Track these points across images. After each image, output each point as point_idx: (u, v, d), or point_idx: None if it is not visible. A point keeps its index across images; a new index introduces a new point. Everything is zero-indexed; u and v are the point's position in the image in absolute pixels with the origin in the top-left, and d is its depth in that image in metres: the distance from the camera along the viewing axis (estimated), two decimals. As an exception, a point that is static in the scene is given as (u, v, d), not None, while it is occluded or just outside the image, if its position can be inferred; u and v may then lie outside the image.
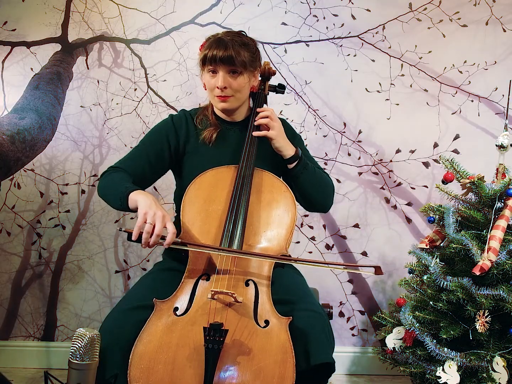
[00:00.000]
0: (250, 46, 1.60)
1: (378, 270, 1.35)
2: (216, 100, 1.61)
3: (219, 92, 1.57)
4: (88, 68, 2.61)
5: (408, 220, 2.60)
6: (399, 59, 2.59)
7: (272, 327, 1.30)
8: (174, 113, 1.77)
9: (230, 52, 1.52)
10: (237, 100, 1.63)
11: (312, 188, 1.62)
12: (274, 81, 1.84)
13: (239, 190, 1.49)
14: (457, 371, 1.71)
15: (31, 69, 2.61)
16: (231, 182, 1.53)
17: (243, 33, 1.65)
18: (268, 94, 1.80)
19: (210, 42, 1.57)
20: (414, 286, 1.96)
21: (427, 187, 2.59)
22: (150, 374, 1.24)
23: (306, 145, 2.57)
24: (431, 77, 2.59)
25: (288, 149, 1.60)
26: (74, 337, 1.13)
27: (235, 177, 1.53)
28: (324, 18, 2.59)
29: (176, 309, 1.35)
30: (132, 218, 2.59)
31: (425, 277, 1.89)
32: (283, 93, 1.84)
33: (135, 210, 1.43)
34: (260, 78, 1.78)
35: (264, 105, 1.75)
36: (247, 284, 1.39)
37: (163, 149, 1.65)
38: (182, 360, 1.25)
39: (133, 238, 1.34)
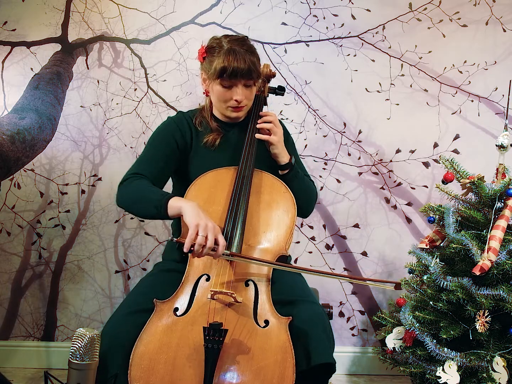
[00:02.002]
0: (255, 52, 1.60)
1: (397, 286, 1.35)
2: (230, 110, 1.61)
3: (235, 103, 1.58)
4: (88, 68, 2.61)
5: (408, 220, 2.60)
6: (399, 59, 2.59)
7: (272, 327, 1.30)
8: (173, 113, 1.77)
9: (249, 65, 1.52)
10: (248, 108, 1.65)
11: (299, 194, 1.62)
12: (274, 82, 1.84)
13: (239, 191, 1.50)
14: (457, 371, 1.71)
15: (31, 69, 2.61)
16: (231, 183, 1.54)
17: (246, 37, 1.62)
18: (267, 96, 1.79)
19: (223, 54, 1.53)
20: (414, 286, 1.96)
21: (427, 187, 2.59)
22: (151, 374, 1.24)
23: (306, 145, 2.59)
24: (431, 77, 2.59)
25: (283, 156, 1.63)
26: (74, 337, 1.13)
27: (234, 178, 1.54)
28: (324, 18, 2.59)
29: (176, 309, 1.35)
30: (132, 218, 2.59)
31: (425, 277, 1.89)
32: (282, 95, 1.84)
33: (172, 218, 1.44)
34: (259, 80, 1.78)
35: (264, 107, 1.75)
36: (246, 284, 1.39)
37: (173, 148, 1.64)
38: (182, 360, 1.25)
39: (185, 250, 1.32)
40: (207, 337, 1.22)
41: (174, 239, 1.35)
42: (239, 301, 1.32)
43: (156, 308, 1.34)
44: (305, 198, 1.68)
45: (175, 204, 1.40)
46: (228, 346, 1.25)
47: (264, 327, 1.30)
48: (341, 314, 2.60)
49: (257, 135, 1.61)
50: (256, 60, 1.57)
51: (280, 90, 1.82)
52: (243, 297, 1.35)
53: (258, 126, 1.62)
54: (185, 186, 1.59)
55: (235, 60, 1.51)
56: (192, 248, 1.32)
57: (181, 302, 1.36)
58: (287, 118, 2.58)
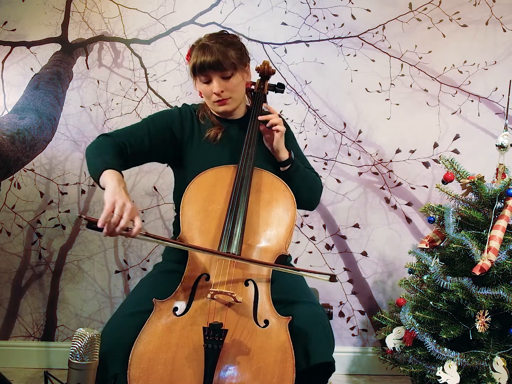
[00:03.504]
0: (235, 43, 1.60)
1: (332, 278, 1.35)
2: (216, 105, 1.62)
3: (216, 97, 1.59)
4: (88, 68, 2.61)
5: (408, 220, 2.59)
6: (399, 59, 2.59)
7: (272, 327, 1.30)
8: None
9: (217, 56, 1.52)
10: (235, 101, 1.64)
11: (302, 188, 1.63)
12: (274, 80, 1.84)
13: (239, 190, 1.49)
14: (457, 371, 1.71)
15: (31, 69, 2.62)
16: (231, 182, 1.53)
17: (225, 32, 1.64)
18: (267, 93, 1.79)
19: (195, 50, 1.57)
20: (414, 286, 1.96)
21: (427, 187, 2.59)
22: (150, 374, 1.24)
23: (306, 145, 2.58)
24: (431, 77, 2.59)
25: (283, 152, 1.64)
26: (74, 337, 1.12)
27: (234, 176, 1.53)
28: (324, 18, 2.59)
29: (176, 309, 1.34)
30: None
31: (425, 277, 1.89)
32: (282, 92, 1.84)
33: (103, 188, 1.39)
34: (259, 78, 1.78)
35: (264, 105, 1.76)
36: (246, 284, 1.38)
37: (165, 131, 1.63)
38: (182, 360, 1.25)
39: (99, 225, 1.26)
40: (207, 337, 1.21)
41: (82, 216, 1.27)
42: (239, 301, 1.31)
43: (156, 308, 1.34)
44: (309, 192, 1.69)
45: (105, 177, 1.38)
46: (228, 346, 1.24)
47: (264, 327, 1.30)
48: (341, 314, 2.60)
49: (275, 127, 1.62)
50: (232, 51, 1.56)
51: (279, 88, 1.82)
52: (243, 297, 1.34)
53: (269, 124, 1.62)
54: (185, 180, 1.59)
55: (203, 54, 1.53)
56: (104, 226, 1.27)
57: (181, 301, 1.36)
58: (287, 118, 2.58)
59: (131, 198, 2.60)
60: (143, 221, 2.58)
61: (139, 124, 1.65)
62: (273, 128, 1.62)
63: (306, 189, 1.66)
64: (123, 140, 1.56)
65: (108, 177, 1.37)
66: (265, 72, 1.77)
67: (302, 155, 1.80)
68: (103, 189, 1.37)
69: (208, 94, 1.60)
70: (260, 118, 1.64)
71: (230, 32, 1.68)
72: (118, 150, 1.52)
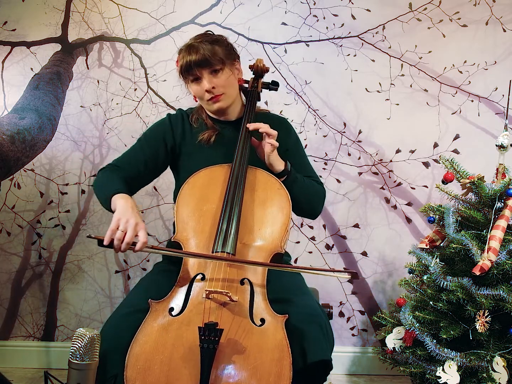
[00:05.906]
0: (220, 41, 1.61)
1: (355, 276, 1.32)
2: (210, 103, 1.62)
3: (209, 95, 1.59)
4: (88, 68, 2.61)
5: (408, 220, 2.59)
6: (399, 59, 2.59)
7: (268, 325, 1.29)
8: (173, 112, 1.78)
9: (203, 53, 1.54)
10: (229, 97, 1.64)
11: (301, 198, 1.61)
12: (271, 79, 1.83)
13: (233, 189, 1.48)
14: (457, 371, 1.70)
15: (31, 69, 2.62)
16: (225, 181, 1.52)
17: (209, 32, 1.66)
18: (261, 91, 1.78)
19: (182, 52, 1.59)
20: (414, 286, 1.95)
21: (427, 187, 2.59)
22: (147, 375, 1.23)
23: (306, 145, 2.58)
24: (431, 77, 2.59)
25: (278, 164, 1.59)
26: (74, 337, 1.12)
27: (228, 175, 1.52)
28: (324, 18, 2.59)
29: (172, 309, 1.33)
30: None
31: (425, 277, 1.89)
32: (276, 90, 1.81)
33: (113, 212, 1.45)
34: (253, 76, 1.77)
35: (258, 104, 1.75)
36: (242, 283, 1.37)
37: (159, 150, 1.67)
38: (178, 361, 1.24)
39: (105, 243, 1.33)
40: (203, 337, 1.20)
41: (91, 236, 1.35)
42: (235, 300, 1.30)
43: (151, 309, 1.33)
44: (309, 203, 1.66)
45: (115, 200, 1.44)
46: (224, 346, 1.23)
47: (260, 325, 1.29)
48: (341, 314, 2.60)
49: (267, 147, 1.56)
50: (218, 47, 1.57)
51: (273, 85, 1.79)
52: (239, 296, 1.33)
53: (250, 126, 1.57)
54: (182, 182, 1.59)
55: (189, 54, 1.55)
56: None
57: (176, 302, 1.35)
58: (287, 118, 2.58)
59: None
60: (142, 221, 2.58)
61: (135, 148, 1.68)
62: (266, 141, 1.56)
63: (305, 200, 1.64)
64: (124, 172, 1.60)
65: (117, 199, 1.44)
66: (259, 69, 1.75)
67: (306, 162, 1.75)
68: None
69: (201, 94, 1.60)
70: (249, 125, 1.58)
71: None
72: (123, 179, 1.57)
